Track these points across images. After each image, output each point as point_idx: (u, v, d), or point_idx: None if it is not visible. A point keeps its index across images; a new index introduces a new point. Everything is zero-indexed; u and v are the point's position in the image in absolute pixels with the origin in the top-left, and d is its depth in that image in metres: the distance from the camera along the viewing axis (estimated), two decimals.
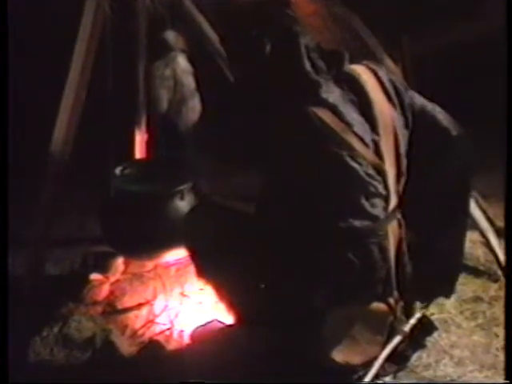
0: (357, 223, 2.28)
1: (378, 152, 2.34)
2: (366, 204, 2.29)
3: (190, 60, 3.32)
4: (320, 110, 2.24)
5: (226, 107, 2.54)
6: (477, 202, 3.50)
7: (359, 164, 2.27)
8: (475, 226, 3.45)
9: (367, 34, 3.44)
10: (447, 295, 2.74)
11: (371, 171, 2.31)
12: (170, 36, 3.29)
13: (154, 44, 3.39)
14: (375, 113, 2.34)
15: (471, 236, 3.67)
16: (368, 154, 2.31)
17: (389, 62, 3.36)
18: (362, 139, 2.30)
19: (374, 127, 2.34)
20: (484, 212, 3.54)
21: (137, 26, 3.52)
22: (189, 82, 3.31)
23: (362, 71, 2.41)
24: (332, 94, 2.29)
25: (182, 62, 3.28)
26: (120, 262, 3.47)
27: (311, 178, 2.27)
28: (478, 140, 2.59)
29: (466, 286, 3.33)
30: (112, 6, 3.11)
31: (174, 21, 3.27)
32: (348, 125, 2.28)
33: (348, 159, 2.26)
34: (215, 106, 2.71)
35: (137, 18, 3.48)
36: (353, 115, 2.31)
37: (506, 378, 2.31)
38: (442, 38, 4.68)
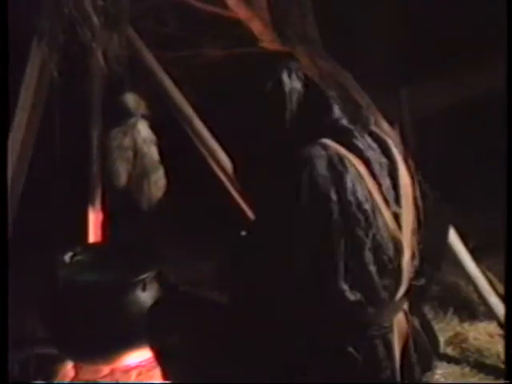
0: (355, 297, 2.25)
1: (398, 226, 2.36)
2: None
3: (153, 127, 3.42)
4: (356, 160, 2.31)
5: (196, 181, 2.61)
6: (493, 285, 3.58)
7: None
8: (492, 316, 3.50)
9: (358, 91, 3.58)
10: None
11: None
12: (130, 99, 3.36)
13: (110, 109, 3.49)
14: (400, 181, 2.39)
15: (488, 328, 3.74)
16: (392, 223, 2.33)
17: (384, 125, 3.50)
18: (388, 205, 2.34)
19: (397, 197, 2.38)
20: (502, 298, 3.60)
21: (89, 88, 3.59)
22: (151, 152, 3.39)
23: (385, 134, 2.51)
24: (368, 148, 2.37)
25: (143, 129, 3.37)
26: (69, 367, 3.42)
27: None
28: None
29: None
30: (59, 68, 3.21)
31: (134, 81, 3.38)
32: (379, 185, 2.33)
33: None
34: (183, 180, 2.76)
35: (89, 78, 3.55)
36: (385, 179, 2.37)
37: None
38: (446, 93, 4.89)
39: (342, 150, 2.30)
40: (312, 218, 2.21)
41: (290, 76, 2.41)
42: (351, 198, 2.22)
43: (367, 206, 2.24)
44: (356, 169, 2.27)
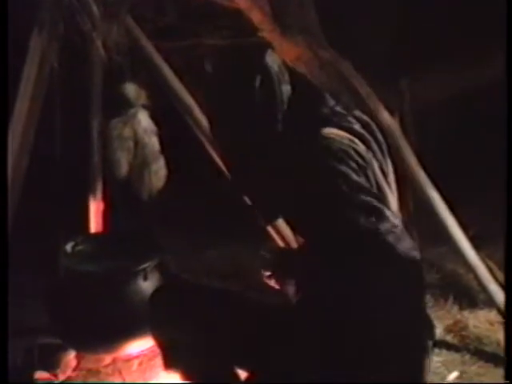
0: None
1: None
2: None
3: (153, 117, 3.44)
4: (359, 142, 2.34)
5: (197, 171, 2.61)
6: (492, 273, 3.59)
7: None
8: (491, 303, 3.52)
9: (359, 81, 3.60)
10: None
11: None
12: (130, 89, 3.40)
13: (110, 99, 3.51)
14: (387, 162, 2.43)
15: (488, 316, 3.78)
16: (392, 200, 2.38)
17: (385, 114, 3.51)
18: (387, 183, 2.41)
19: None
20: (502, 286, 3.62)
21: (90, 78, 3.60)
22: (152, 142, 3.43)
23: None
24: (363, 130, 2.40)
25: (143, 119, 3.41)
26: (71, 356, 3.41)
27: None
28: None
29: (484, 376, 3.34)
30: (59, 57, 3.22)
31: (134, 71, 3.40)
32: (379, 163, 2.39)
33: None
34: (183, 170, 2.77)
35: (89, 68, 3.57)
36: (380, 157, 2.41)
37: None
38: (446, 83, 4.91)
39: (349, 136, 2.33)
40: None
41: (273, 60, 2.39)
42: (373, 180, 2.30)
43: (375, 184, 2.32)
44: (364, 152, 2.31)
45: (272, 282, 2.63)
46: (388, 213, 2.21)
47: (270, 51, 2.38)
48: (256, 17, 3.58)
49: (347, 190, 2.19)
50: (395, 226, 2.20)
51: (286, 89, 2.36)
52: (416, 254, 2.22)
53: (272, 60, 2.37)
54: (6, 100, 2.72)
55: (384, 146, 2.41)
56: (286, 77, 2.38)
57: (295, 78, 2.40)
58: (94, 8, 3.24)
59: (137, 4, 3.37)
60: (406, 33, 4.95)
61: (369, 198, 2.20)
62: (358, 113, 2.45)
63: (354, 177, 2.22)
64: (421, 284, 2.33)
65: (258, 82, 2.33)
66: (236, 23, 3.58)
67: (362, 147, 2.32)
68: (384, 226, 2.17)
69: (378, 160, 2.36)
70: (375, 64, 4.11)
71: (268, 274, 2.63)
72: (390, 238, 2.17)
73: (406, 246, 2.20)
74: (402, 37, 4.93)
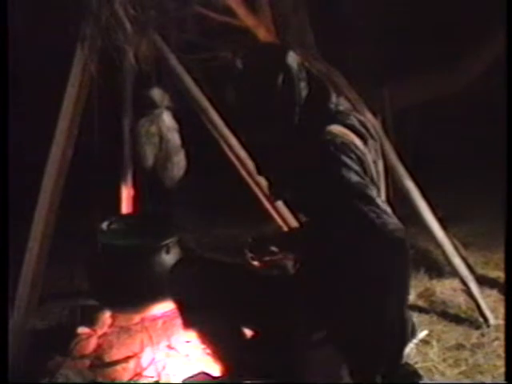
0: None
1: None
2: None
3: (175, 117, 3.56)
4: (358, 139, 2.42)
5: (211, 163, 2.72)
6: (457, 249, 3.81)
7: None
8: (455, 274, 3.75)
9: (348, 88, 3.78)
10: None
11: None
12: (156, 93, 3.52)
13: (139, 101, 3.64)
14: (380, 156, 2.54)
15: (452, 283, 4.04)
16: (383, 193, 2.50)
17: (368, 115, 3.71)
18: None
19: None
20: (464, 260, 3.84)
21: (123, 84, 3.80)
22: (174, 138, 3.54)
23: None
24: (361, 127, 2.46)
25: (167, 118, 3.51)
26: (107, 315, 3.61)
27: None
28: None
29: (448, 333, 3.57)
30: (98, 66, 3.36)
31: (160, 78, 3.54)
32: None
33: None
34: (200, 162, 2.87)
35: (122, 76, 3.76)
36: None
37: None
38: (424, 90, 5.07)
39: (351, 133, 2.40)
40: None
41: (293, 60, 2.44)
42: (368, 171, 2.37)
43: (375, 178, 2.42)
44: (362, 147, 2.40)
45: (255, 263, 2.71)
46: (378, 200, 2.27)
47: (291, 53, 2.47)
48: (261, 33, 3.76)
49: (346, 176, 2.26)
50: (383, 212, 2.24)
51: (303, 85, 2.44)
52: (400, 234, 2.28)
53: (293, 60, 2.44)
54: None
55: (378, 143, 2.51)
56: (304, 75, 2.45)
57: (310, 76, 2.47)
58: (128, 25, 3.34)
59: (163, 23, 3.50)
60: (387, 50, 5.09)
61: (363, 186, 2.27)
62: (355, 113, 2.54)
63: (354, 166, 2.29)
64: (405, 257, 2.41)
65: (280, 80, 2.40)
66: (245, 39, 3.72)
67: (360, 144, 2.39)
68: (373, 210, 2.22)
69: (371, 154, 2.43)
70: (361, 75, 4.27)
71: (251, 255, 2.72)
72: (378, 222, 2.21)
73: (391, 227, 2.25)
74: (384, 54, 5.06)
